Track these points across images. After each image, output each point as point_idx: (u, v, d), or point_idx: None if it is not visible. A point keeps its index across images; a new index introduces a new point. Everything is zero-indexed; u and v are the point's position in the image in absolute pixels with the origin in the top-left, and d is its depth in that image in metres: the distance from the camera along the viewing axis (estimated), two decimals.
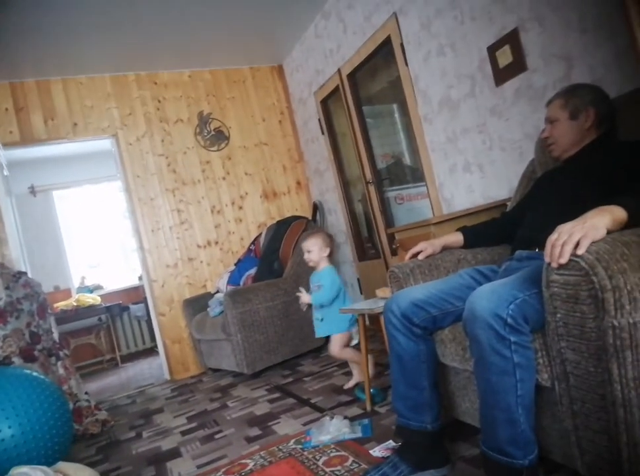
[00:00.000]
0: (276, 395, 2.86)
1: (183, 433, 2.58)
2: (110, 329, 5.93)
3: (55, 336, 3.08)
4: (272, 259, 3.88)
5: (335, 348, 2.56)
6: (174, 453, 2.30)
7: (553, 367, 1.16)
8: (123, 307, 6.03)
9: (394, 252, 3.51)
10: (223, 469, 1.95)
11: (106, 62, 4.01)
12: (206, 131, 4.50)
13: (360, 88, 3.83)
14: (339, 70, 3.89)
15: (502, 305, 1.17)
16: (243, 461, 1.98)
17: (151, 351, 5.97)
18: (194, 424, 2.69)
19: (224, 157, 4.55)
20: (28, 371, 2.33)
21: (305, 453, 1.90)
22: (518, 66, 2.37)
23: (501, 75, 2.48)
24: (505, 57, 2.42)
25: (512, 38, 2.36)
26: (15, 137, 3.90)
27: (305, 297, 2.64)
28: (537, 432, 1.25)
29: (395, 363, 1.57)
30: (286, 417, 2.41)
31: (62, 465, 1.83)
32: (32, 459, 1.99)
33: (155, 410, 3.21)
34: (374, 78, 3.89)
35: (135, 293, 6.21)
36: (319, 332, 2.66)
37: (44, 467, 1.74)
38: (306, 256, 2.65)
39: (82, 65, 3.98)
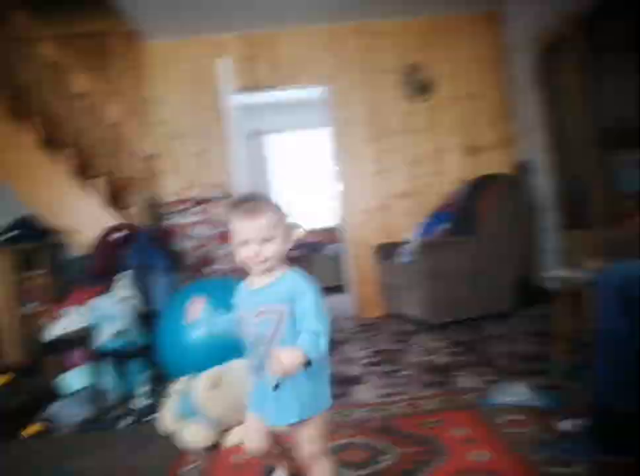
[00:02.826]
0: (458, 349, 2.88)
1: (365, 365, 2.79)
2: (308, 263, 6.51)
3: None
4: (467, 216, 3.80)
5: (313, 445, 1.26)
6: (357, 380, 2.51)
7: None
8: (320, 245, 6.55)
9: (618, 219, 3.11)
10: (402, 404, 2.07)
11: (323, 12, 4.21)
12: (413, 81, 4.47)
13: (592, 37, 3.37)
14: (567, 15, 3.46)
15: None
16: (421, 401, 2.08)
17: (339, 288, 6.41)
18: (375, 359, 2.88)
19: (428, 108, 4.49)
20: None
21: (484, 409, 1.91)
22: None
23: None
24: None
25: None
26: (246, 83, 4.39)
27: (286, 358, 1.10)
28: None
29: (605, 342, 1.46)
30: (466, 372, 2.43)
31: None
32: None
33: (340, 340, 3.51)
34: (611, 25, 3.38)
35: (331, 234, 6.67)
36: (279, 419, 1.25)
37: None
38: (252, 251, 1.20)
39: (303, 17, 4.24)
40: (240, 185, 4.05)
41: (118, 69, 4.27)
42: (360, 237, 4.45)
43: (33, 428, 2.20)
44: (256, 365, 1.25)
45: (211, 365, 2.06)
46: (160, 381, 2.55)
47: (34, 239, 3.09)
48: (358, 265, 4.44)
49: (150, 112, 4.24)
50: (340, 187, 4.53)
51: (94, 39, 4.25)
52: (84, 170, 3.33)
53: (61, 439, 2.15)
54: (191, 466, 1.71)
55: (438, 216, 4.08)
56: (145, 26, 3.99)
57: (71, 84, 3.34)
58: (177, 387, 1.93)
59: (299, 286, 1.22)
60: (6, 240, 3.12)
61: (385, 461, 1.58)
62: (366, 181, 4.48)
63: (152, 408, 2.32)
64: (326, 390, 1.30)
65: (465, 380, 2.30)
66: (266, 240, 1.20)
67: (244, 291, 1.30)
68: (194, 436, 1.79)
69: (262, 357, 1.21)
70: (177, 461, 1.75)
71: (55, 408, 2.33)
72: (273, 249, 1.21)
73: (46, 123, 3.34)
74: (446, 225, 3.91)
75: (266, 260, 1.21)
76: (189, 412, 1.84)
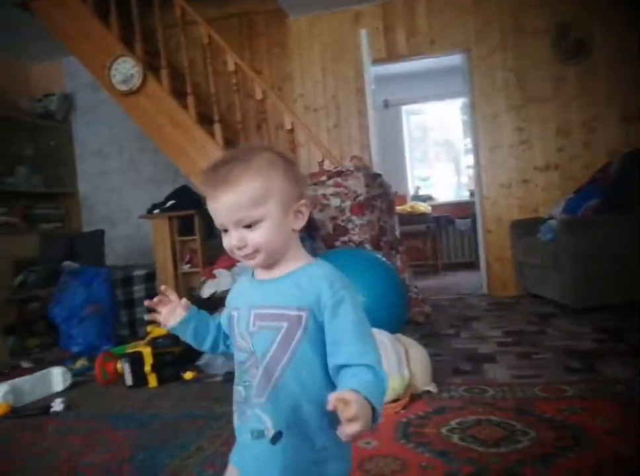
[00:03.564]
0: (603, 336, 2.67)
1: (499, 344, 2.71)
2: (435, 238, 6.40)
3: (397, 233, 3.54)
4: (623, 192, 3.43)
5: None
6: (490, 358, 2.46)
7: None
8: (449, 220, 6.39)
9: None
10: (539, 387, 2.00)
11: None
12: (565, 42, 4.08)
13: None
14: None
15: None
16: (561, 386, 1.98)
17: (470, 265, 6.23)
18: (509, 339, 2.78)
19: (582, 72, 4.08)
20: (379, 255, 2.79)
21: (634, 401, 1.77)
22: None
23: None
24: None
25: None
26: (382, 54, 4.36)
27: (362, 408, 0.66)
28: None
29: None
30: (613, 361, 2.25)
31: (400, 336, 2.19)
32: (376, 325, 2.45)
33: (472, 317, 3.44)
34: None
35: (462, 208, 6.46)
36: None
37: (387, 333, 2.12)
38: (234, 240, 0.80)
39: None
40: (376, 157, 4.09)
41: (262, 47, 4.50)
42: (495, 211, 4.26)
43: (189, 374, 2.51)
44: (244, 397, 0.83)
45: None
46: None
47: (189, 207, 3.44)
48: (492, 241, 4.27)
49: (290, 87, 4.42)
50: (476, 159, 4.35)
51: (243, 19, 4.51)
52: (232, 144, 3.60)
53: (209, 386, 2.42)
54: None
55: (585, 191, 3.74)
56: (287, 2, 4.13)
57: (222, 63, 3.60)
58: None
59: (329, 287, 0.78)
60: (166, 208, 3.52)
61: (523, 442, 1.55)
62: (506, 152, 4.24)
63: None
64: (339, 466, 0.81)
65: (611, 369, 2.14)
66: (247, 223, 0.78)
67: (244, 281, 0.90)
68: None
69: (254, 387, 0.80)
70: None
71: (204, 359, 2.63)
72: (263, 235, 0.78)
73: (200, 101, 3.65)
74: (595, 202, 3.58)
75: (255, 253, 0.80)
76: None
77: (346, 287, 0.80)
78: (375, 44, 4.32)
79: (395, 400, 1.91)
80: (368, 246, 3.17)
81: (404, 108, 6.86)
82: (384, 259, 2.79)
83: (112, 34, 3.60)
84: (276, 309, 0.80)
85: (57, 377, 2.49)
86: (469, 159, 4.50)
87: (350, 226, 3.21)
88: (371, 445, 1.61)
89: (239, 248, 0.80)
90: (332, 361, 0.77)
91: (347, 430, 0.64)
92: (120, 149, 4.87)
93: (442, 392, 2.03)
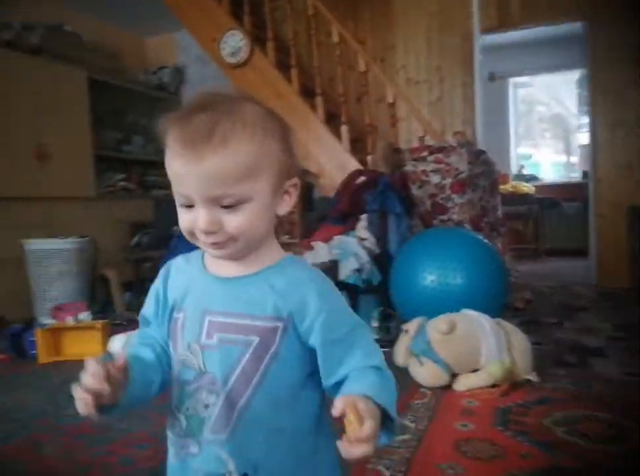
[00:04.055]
0: None
1: (609, 338, 2.52)
2: (538, 220, 6.04)
3: (499, 213, 3.38)
4: None
5: None
6: (598, 352, 2.29)
7: None
8: (554, 202, 5.99)
9: None
10: None
11: None
12: None
13: None
14: None
15: None
16: None
17: (576, 252, 5.81)
18: (620, 333, 2.58)
19: None
20: (480, 236, 2.68)
21: None
22: None
23: None
24: None
25: None
26: (492, 23, 4.10)
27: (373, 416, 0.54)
28: None
29: None
30: None
31: (500, 321, 2.11)
32: (474, 307, 2.36)
33: (578, 307, 3.22)
34: None
35: (570, 190, 6.02)
36: None
37: (487, 316, 2.05)
38: (202, 221, 0.59)
39: None
40: (480, 132, 3.91)
41: (366, 17, 4.41)
42: (611, 195, 3.92)
43: None
44: (184, 430, 0.64)
45: (439, 310, 2.11)
46: (389, 319, 2.73)
47: None
48: (605, 227, 3.95)
49: (392, 58, 4.31)
50: (592, 137, 4.01)
51: None
52: (332, 118, 3.60)
53: None
54: (421, 401, 1.82)
55: None
56: None
57: (326, 35, 3.58)
58: (412, 325, 2.05)
59: (319, 297, 0.62)
60: None
61: (632, 443, 1.44)
62: (626, 130, 3.86)
63: (382, 342, 2.51)
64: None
65: None
66: (228, 203, 0.58)
67: (191, 272, 0.67)
68: (427, 374, 1.89)
69: (208, 419, 0.62)
70: (409, 393, 1.88)
71: None
72: (245, 220, 0.59)
73: (302, 73, 3.68)
74: None
75: (228, 241, 0.59)
76: (421, 350, 1.94)
77: (333, 290, 0.65)
78: (486, 12, 4.08)
79: (493, 386, 1.86)
80: (468, 226, 3.06)
81: (512, 80, 6.46)
82: (485, 240, 2.68)
83: (222, 8, 3.70)
84: (242, 318, 0.61)
85: None
86: (583, 137, 4.15)
87: (449, 204, 3.11)
88: (467, 427, 1.58)
89: (208, 233, 0.58)
90: (330, 380, 0.62)
91: (355, 451, 0.51)
92: None
93: (544, 382, 1.94)
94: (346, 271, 2.71)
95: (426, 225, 3.10)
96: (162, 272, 0.70)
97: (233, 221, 0.58)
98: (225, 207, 0.58)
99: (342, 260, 2.71)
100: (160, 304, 0.68)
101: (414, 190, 3.17)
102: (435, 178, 3.14)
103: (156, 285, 0.69)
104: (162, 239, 3.74)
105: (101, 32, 4.34)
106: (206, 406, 0.62)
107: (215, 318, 0.62)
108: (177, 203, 0.61)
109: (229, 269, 0.64)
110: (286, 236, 3.54)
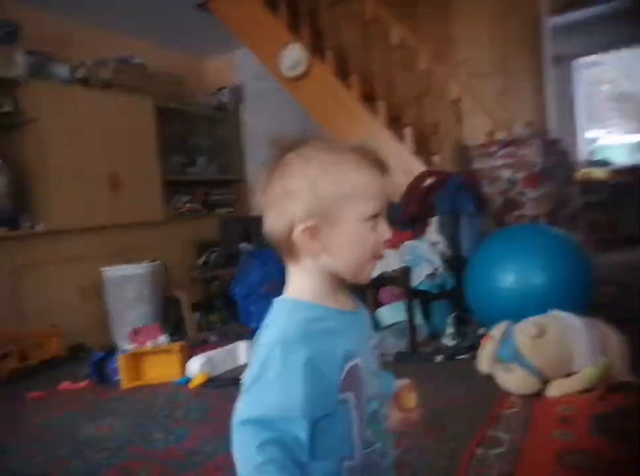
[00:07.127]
0: None
1: None
2: (614, 208, 5.66)
3: (576, 204, 3.21)
4: None
5: None
6: None
7: None
8: (630, 185, 5.59)
9: None
10: None
11: None
12: None
13: None
14: None
15: None
16: None
17: None
18: None
19: None
20: (561, 232, 2.55)
21: None
22: None
23: None
24: None
25: None
26: (558, 3, 3.88)
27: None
28: None
29: None
30: None
31: (593, 321, 1.98)
32: (559, 307, 2.23)
33: None
34: None
35: None
36: None
37: (579, 317, 1.94)
38: (389, 234, 0.70)
39: None
40: (553, 120, 3.70)
41: (424, 11, 4.28)
42: None
43: None
44: (376, 453, 0.69)
45: (521, 313, 2.02)
46: (465, 324, 2.66)
47: None
48: None
49: (453, 53, 4.18)
50: None
51: None
52: (395, 121, 3.55)
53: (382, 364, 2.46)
54: (513, 410, 1.75)
55: None
56: None
57: (383, 35, 3.52)
58: (498, 330, 1.98)
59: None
60: None
61: None
62: None
63: (460, 349, 2.45)
64: None
65: None
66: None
67: (330, 316, 0.67)
68: (516, 381, 1.82)
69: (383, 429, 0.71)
70: (499, 402, 1.82)
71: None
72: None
73: (363, 79, 3.65)
74: None
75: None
76: (509, 356, 1.87)
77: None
78: None
79: (588, 390, 1.76)
80: (543, 221, 2.93)
81: (577, 61, 6.12)
82: (565, 234, 2.55)
83: (281, 22, 3.73)
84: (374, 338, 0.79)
85: (243, 351, 2.71)
86: None
87: (522, 199, 2.99)
88: (569, 436, 1.50)
89: (385, 243, 0.68)
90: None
91: (415, 416, 0.79)
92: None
93: None
94: (418, 277, 2.66)
95: (498, 224, 3.00)
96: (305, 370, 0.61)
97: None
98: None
99: (414, 267, 2.66)
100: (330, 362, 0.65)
101: (485, 187, 3.07)
102: (506, 174, 3.03)
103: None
104: (228, 257, 3.82)
105: (164, 59, 4.51)
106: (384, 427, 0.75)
107: (369, 338, 0.77)
108: (358, 223, 0.66)
109: (343, 304, 0.71)
110: None
